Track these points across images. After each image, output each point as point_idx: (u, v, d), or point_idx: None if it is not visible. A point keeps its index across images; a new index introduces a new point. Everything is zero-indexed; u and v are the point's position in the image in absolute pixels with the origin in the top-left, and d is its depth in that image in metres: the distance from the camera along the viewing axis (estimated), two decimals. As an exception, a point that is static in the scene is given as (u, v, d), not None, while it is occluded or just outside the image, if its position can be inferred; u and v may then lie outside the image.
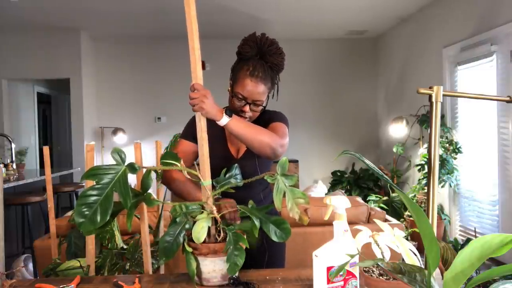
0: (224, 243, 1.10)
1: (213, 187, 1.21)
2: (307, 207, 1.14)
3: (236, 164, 1.30)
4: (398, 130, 4.98)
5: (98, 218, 0.97)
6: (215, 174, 1.24)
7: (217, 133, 1.43)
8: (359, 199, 2.70)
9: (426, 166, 4.15)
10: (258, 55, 1.44)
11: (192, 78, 1.20)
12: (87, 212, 0.97)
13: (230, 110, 1.28)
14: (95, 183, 1.01)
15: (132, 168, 1.05)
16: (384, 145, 6.04)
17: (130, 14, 4.86)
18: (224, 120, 1.24)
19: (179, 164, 1.13)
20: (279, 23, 5.30)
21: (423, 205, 4.09)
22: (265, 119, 1.51)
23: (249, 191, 1.41)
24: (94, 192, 0.99)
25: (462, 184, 4.07)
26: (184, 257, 1.10)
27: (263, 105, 1.46)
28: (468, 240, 3.43)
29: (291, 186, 1.13)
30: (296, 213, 1.12)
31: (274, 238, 1.10)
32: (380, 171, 0.77)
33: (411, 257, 0.88)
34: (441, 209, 4.28)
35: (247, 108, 1.43)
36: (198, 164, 1.19)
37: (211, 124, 1.24)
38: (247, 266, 1.33)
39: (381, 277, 0.91)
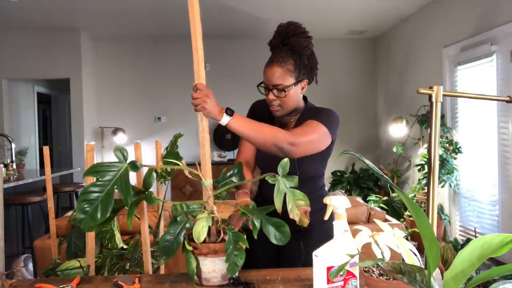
0: (224, 243, 1.10)
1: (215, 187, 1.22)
2: (307, 209, 1.13)
3: (240, 162, 1.29)
4: (398, 130, 4.98)
5: (99, 215, 0.98)
6: (264, 169, 1.35)
7: None
8: (359, 199, 2.70)
9: (426, 166, 4.15)
10: (281, 43, 1.44)
11: (194, 78, 1.20)
12: (88, 209, 0.98)
13: (231, 110, 1.27)
14: (95, 180, 1.01)
15: (134, 166, 1.05)
16: (384, 145, 6.03)
17: (130, 14, 4.86)
18: (224, 120, 1.23)
19: (180, 164, 1.13)
20: (279, 23, 5.29)
21: (423, 205, 4.09)
22: (310, 115, 1.45)
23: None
24: (96, 189, 1.00)
25: (462, 184, 4.07)
26: (184, 257, 1.10)
27: (286, 89, 1.40)
28: (468, 240, 3.43)
29: (291, 188, 1.13)
30: (296, 215, 1.12)
31: (273, 241, 1.10)
32: (380, 171, 0.77)
33: (411, 257, 0.88)
34: (441, 209, 4.28)
35: (270, 95, 1.42)
36: (199, 164, 1.19)
37: (263, 119, 1.33)
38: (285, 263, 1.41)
39: (381, 277, 0.91)
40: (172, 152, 1.15)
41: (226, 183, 1.23)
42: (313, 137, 1.36)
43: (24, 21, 5.01)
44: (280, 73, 1.39)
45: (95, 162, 1.20)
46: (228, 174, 1.25)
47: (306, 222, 1.12)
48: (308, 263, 1.16)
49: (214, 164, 5.56)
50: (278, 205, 1.11)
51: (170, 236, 1.07)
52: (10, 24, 5.12)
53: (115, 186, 1.00)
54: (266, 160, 1.48)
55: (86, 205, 0.98)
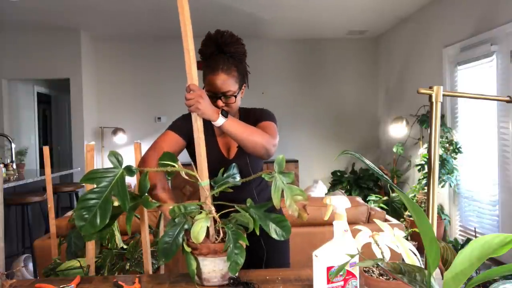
0: (223, 243, 1.10)
1: (211, 187, 1.21)
2: (305, 203, 1.14)
3: (234, 164, 1.30)
4: (398, 130, 4.98)
5: (98, 221, 0.99)
6: (210, 176, 1.21)
7: (207, 135, 1.33)
8: (359, 199, 2.69)
9: (426, 166, 4.15)
10: (217, 51, 1.47)
11: (187, 79, 1.20)
12: (87, 216, 0.99)
13: (226, 111, 1.29)
14: (95, 186, 1.02)
15: (129, 171, 1.05)
16: (384, 145, 6.04)
17: (130, 14, 4.86)
18: (220, 121, 1.26)
19: (176, 165, 1.13)
20: (279, 23, 5.30)
21: (423, 205, 4.09)
22: (253, 117, 1.52)
23: (242, 189, 1.35)
24: (93, 196, 1.01)
25: (462, 184, 4.07)
26: (184, 257, 1.10)
27: (235, 94, 1.46)
28: (468, 240, 3.43)
29: (289, 184, 1.13)
30: (295, 210, 1.12)
31: (275, 236, 1.10)
32: (380, 171, 0.77)
33: (411, 257, 0.88)
34: (441, 209, 4.28)
35: (219, 102, 1.45)
36: (195, 164, 1.19)
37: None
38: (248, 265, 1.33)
39: (381, 277, 0.91)
40: (167, 154, 1.15)
41: (224, 183, 1.22)
42: (277, 136, 1.46)
43: (24, 21, 5.01)
44: (227, 80, 1.43)
45: (95, 162, 1.21)
46: (226, 174, 1.25)
47: (305, 216, 1.13)
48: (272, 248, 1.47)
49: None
50: (276, 202, 1.11)
51: (169, 238, 1.07)
52: (10, 24, 5.12)
53: (112, 192, 1.01)
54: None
55: (85, 212, 0.99)
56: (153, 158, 1.36)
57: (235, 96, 1.46)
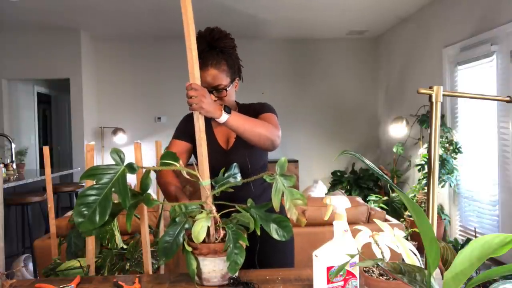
0: (223, 243, 1.10)
1: (212, 187, 1.21)
2: (305, 208, 1.14)
3: (235, 164, 1.29)
4: (398, 130, 4.98)
5: (97, 218, 0.97)
6: (210, 170, 1.21)
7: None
8: (359, 199, 2.69)
9: (426, 166, 4.15)
10: (208, 47, 1.49)
11: (189, 78, 1.20)
12: (86, 212, 0.97)
13: (228, 107, 1.29)
14: (94, 183, 1.01)
15: (131, 168, 1.04)
16: (384, 145, 6.04)
17: (130, 14, 4.86)
18: (223, 118, 1.27)
19: (178, 164, 1.13)
20: (279, 23, 5.30)
21: (423, 205, 4.09)
22: (253, 111, 1.54)
23: (242, 186, 1.27)
24: (93, 192, 0.99)
25: (462, 184, 4.07)
26: (184, 257, 1.10)
27: (226, 88, 1.48)
28: (468, 240, 3.43)
29: (289, 187, 1.13)
30: (294, 214, 1.12)
31: (276, 237, 1.10)
32: (380, 171, 0.77)
33: (411, 257, 0.88)
34: (441, 209, 4.28)
35: (211, 97, 1.44)
36: (197, 164, 1.19)
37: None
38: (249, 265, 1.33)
39: (381, 277, 0.91)
40: (169, 153, 1.15)
41: (225, 183, 1.22)
42: (280, 128, 1.48)
43: (24, 21, 5.01)
44: (218, 75, 1.46)
45: (95, 162, 1.20)
46: (227, 174, 1.25)
47: (303, 221, 1.12)
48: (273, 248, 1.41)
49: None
50: (275, 204, 1.11)
51: (169, 237, 1.07)
52: (10, 24, 5.12)
53: (113, 189, 1.00)
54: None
55: (84, 209, 0.97)
56: (167, 171, 1.41)
57: (226, 90, 1.48)
